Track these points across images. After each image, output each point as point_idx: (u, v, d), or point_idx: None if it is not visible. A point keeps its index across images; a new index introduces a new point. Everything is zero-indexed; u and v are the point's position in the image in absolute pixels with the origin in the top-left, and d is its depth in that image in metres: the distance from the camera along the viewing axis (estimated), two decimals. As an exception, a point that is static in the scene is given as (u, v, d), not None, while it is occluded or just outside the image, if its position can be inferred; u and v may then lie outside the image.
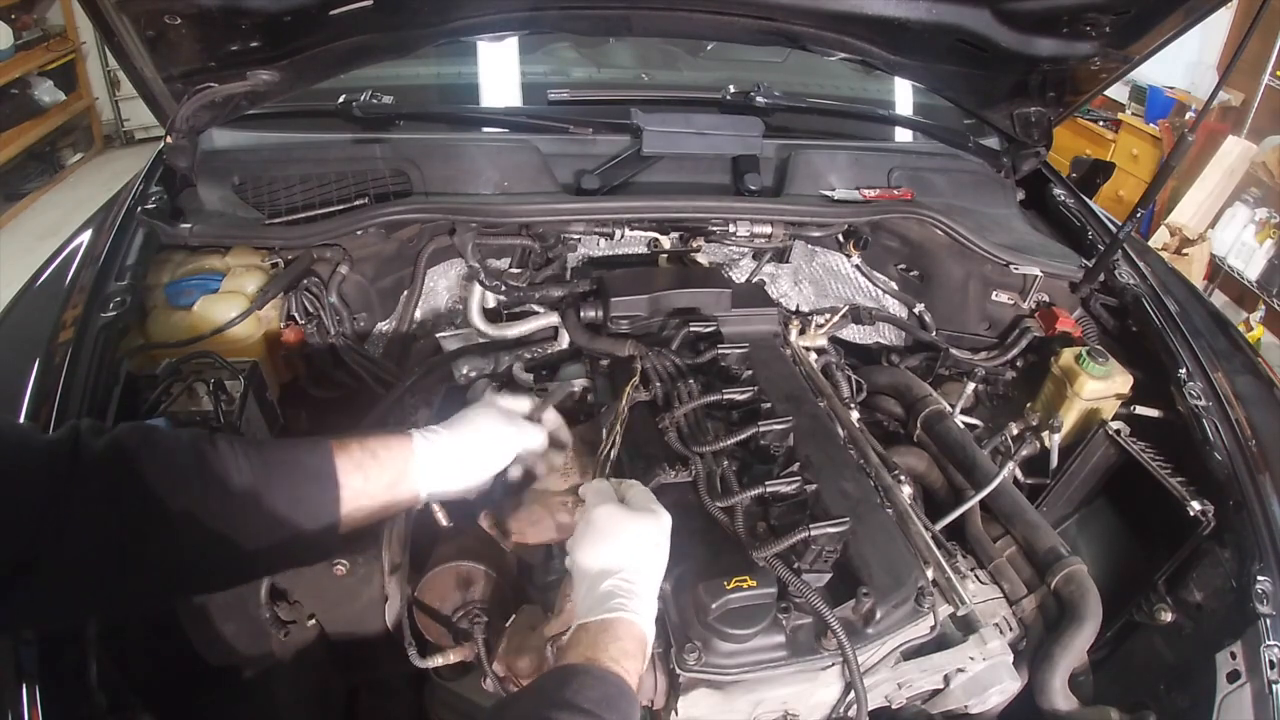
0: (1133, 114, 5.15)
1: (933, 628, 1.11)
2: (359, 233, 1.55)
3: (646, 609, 0.90)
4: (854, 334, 1.94)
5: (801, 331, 1.70)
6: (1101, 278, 1.79)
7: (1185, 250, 4.62)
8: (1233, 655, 1.21)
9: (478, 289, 1.66)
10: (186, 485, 0.81)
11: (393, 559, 1.27)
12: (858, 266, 1.91)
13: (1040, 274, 1.80)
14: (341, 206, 1.58)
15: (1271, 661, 1.17)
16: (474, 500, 1.14)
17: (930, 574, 1.17)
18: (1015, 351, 1.80)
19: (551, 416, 1.22)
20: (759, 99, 1.90)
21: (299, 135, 1.75)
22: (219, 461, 0.84)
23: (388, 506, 0.98)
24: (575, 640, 0.86)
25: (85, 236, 1.56)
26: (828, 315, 1.79)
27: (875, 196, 1.82)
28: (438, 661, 1.16)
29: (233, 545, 0.84)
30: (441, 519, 1.13)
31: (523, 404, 1.18)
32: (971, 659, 1.19)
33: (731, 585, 0.95)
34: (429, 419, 1.55)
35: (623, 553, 0.92)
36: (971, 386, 1.76)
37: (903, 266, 1.91)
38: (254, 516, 0.85)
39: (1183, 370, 1.54)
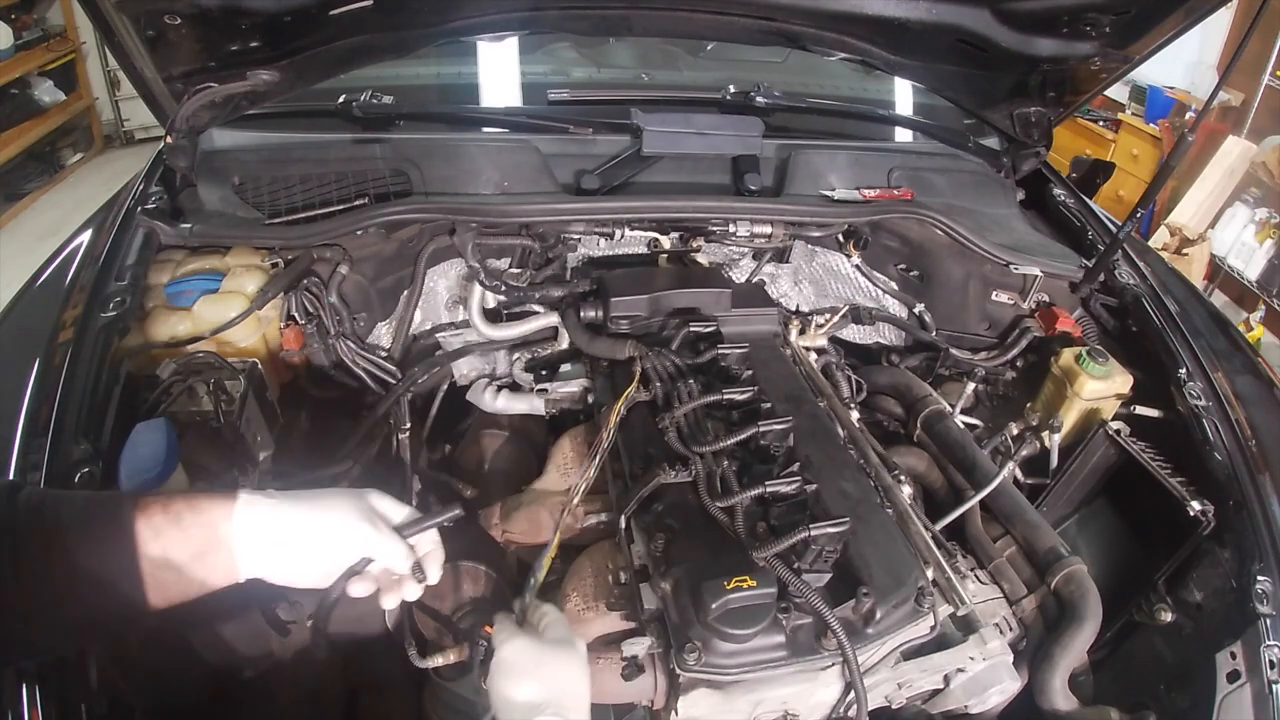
0: (1133, 114, 5.15)
1: (933, 628, 1.11)
2: (359, 233, 1.55)
3: None
4: (854, 334, 1.95)
5: (801, 331, 1.70)
6: (1101, 278, 1.79)
7: (1185, 250, 4.62)
8: (1233, 655, 1.21)
9: (478, 289, 1.66)
10: None
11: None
12: (858, 266, 1.91)
13: (1040, 274, 1.80)
14: (341, 206, 1.57)
15: (1271, 661, 1.17)
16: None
17: (930, 574, 1.17)
18: (1015, 351, 1.80)
19: (426, 541, 0.98)
20: (759, 99, 1.89)
21: (299, 135, 1.75)
22: (6, 524, 0.76)
23: (204, 579, 0.83)
24: None
25: (85, 236, 1.56)
26: (828, 315, 1.80)
27: (875, 196, 1.81)
28: (438, 661, 1.16)
29: (17, 618, 0.76)
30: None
31: (399, 512, 0.96)
32: (971, 659, 1.19)
33: (731, 585, 0.95)
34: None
35: (545, 688, 0.91)
36: (971, 386, 1.76)
37: (903, 266, 1.91)
38: (42, 586, 0.76)
39: (1183, 370, 1.54)
